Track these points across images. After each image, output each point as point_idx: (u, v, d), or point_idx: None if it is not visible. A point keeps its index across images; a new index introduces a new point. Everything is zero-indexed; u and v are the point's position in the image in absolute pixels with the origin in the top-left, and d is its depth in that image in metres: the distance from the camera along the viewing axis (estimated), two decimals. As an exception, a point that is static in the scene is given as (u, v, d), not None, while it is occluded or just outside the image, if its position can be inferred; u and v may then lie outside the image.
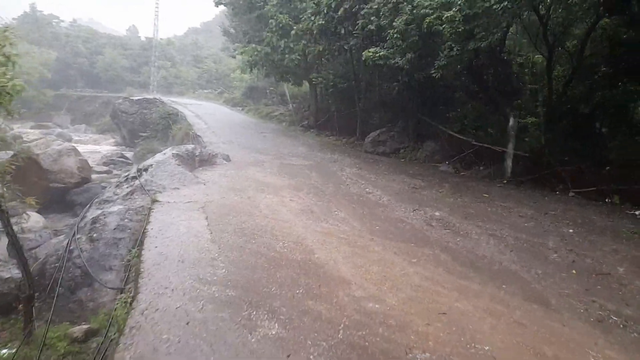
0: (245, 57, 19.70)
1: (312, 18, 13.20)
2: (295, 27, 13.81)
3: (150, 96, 29.45)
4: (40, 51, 39.39)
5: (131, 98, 27.77)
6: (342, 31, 13.20)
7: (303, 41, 14.38)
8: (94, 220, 6.59)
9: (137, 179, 7.34)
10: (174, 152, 8.51)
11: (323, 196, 7.63)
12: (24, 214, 8.29)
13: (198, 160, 9.29)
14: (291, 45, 18.03)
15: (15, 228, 5.32)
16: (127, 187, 7.30)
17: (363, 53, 10.08)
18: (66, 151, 13.19)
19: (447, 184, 9.74)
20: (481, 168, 11.55)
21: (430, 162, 12.72)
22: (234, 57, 29.58)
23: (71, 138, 30.65)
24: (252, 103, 30.30)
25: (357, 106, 16.12)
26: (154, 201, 6.41)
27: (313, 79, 18.15)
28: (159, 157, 8.31)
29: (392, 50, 9.62)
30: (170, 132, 21.10)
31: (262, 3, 19.43)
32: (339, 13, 12.23)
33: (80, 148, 27.84)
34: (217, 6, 22.48)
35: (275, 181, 8.66)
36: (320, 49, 13.65)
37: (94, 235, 6.28)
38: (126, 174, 8.02)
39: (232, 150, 12.72)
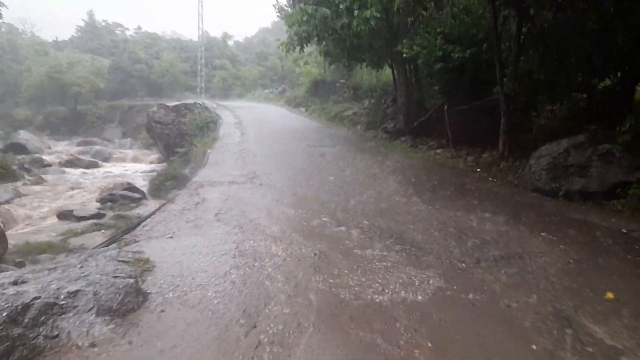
0: (292, 25, 12.41)
1: None
2: None
3: (191, 101, 23.69)
4: (92, 59, 36.01)
5: (167, 105, 22.15)
6: None
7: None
8: None
9: None
10: None
11: None
12: None
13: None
14: (363, -5, 10.34)
15: None
16: None
17: None
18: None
19: None
20: None
21: None
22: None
23: (110, 155, 26.31)
24: (319, 101, 23.60)
25: (501, 89, 7.95)
26: None
27: (404, 51, 10.26)
28: None
29: None
30: (194, 149, 14.71)
31: None
32: None
33: (103, 170, 23.11)
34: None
35: None
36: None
37: None
38: None
39: (232, 213, 5.48)
